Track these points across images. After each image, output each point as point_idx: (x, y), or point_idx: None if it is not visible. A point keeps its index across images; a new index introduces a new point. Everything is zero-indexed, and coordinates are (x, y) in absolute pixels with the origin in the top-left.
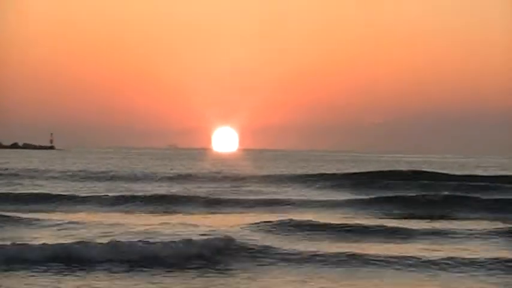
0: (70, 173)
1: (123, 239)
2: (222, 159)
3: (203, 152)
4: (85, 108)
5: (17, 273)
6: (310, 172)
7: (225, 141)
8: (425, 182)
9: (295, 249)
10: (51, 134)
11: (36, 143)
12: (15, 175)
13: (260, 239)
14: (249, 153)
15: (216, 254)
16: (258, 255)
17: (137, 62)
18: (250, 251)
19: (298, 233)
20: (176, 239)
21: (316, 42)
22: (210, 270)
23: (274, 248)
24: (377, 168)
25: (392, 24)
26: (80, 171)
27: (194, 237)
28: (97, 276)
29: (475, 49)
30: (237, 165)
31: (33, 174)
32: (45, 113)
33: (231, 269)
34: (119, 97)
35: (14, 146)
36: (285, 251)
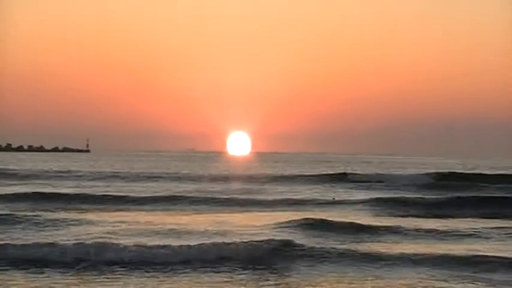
0: (120, 175)
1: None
2: (248, 161)
3: (220, 154)
4: (115, 116)
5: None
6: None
7: (238, 145)
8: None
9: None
10: (87, 139)
11: (74, 147)
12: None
13: (306, 238)
14: (266, 156)
15: (275, 255)
16: (316, 255)
17: (160, 76)
18: (310, 250)
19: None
20: (233, 239)
21: (319, 57)
22: (274, 270)
23: (328, 247)
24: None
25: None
26: (125, 172)
27: (248, 239)
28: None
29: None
30: (269, 166)
31: (83, 175)
32: (82, 120)
33: (292, 270)
34: (144, 106)
35: (55, 149)
36: (340, 250)
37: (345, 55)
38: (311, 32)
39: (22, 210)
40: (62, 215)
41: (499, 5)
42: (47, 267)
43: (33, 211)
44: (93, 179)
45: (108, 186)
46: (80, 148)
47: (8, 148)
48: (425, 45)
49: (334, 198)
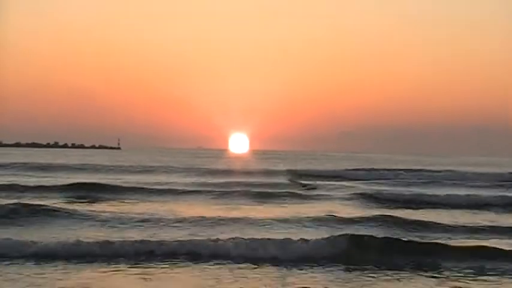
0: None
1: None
2: (261, 158)
3: (224, 152)
4: (139, 120)
5: None
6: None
7: (238, 144)
8: None
9: None
10: (119, 138)
11: (108, 145)
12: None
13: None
14: (267, 153)
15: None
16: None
17: (174, 88)
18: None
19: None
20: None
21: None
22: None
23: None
24: None
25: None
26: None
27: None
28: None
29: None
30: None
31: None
32: (114, 123)
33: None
34: (160, 113)
35: (92, 147)
36: None
37: (333, 69)
38: (304, 47)
39: None
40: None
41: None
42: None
43: None
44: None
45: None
46: (112, 146)
47: (56, 145)
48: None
49: None
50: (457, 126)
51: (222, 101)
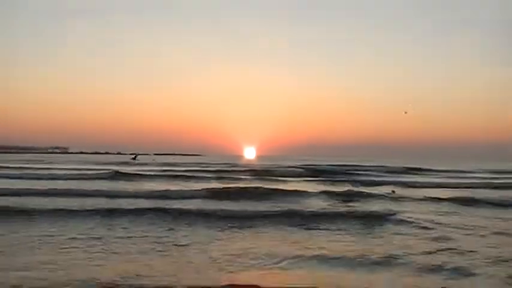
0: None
1: None
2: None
3: (241, 157)
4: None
5: None
6: None
7: (249, 151)
8: None
9: None
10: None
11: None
12: None
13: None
14: (265, 157)
15: None
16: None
17: (206, 115)
18: None
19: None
20: None
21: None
22: None
23: None
24: None
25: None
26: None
27: None
28: None
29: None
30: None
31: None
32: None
33: None
34: (197, 135)
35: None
36: None
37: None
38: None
39: None
40: None
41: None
42: None
43: None
44: None
45: None
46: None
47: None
48: None
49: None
50: None
51: (240, 124)
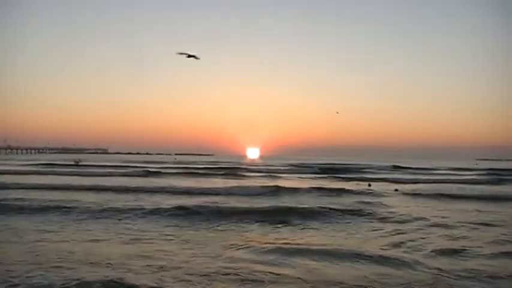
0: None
1: None
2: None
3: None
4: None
5: None
6: None
7: (254, 152)
8: None
9: None
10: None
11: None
12: None
13: None
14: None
15: None
16: None
17: (214, 121)
18: None
19: None
20: None
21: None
22: None
23: None
24: None
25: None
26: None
27: None
28: None
29: None
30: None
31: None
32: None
33: None
34: (207, 137)
35: (191, 154)
36: None
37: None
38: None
39: None
40: None
41: None
42: None
43: None
44: None
45: None
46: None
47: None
48: None
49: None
50: None
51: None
